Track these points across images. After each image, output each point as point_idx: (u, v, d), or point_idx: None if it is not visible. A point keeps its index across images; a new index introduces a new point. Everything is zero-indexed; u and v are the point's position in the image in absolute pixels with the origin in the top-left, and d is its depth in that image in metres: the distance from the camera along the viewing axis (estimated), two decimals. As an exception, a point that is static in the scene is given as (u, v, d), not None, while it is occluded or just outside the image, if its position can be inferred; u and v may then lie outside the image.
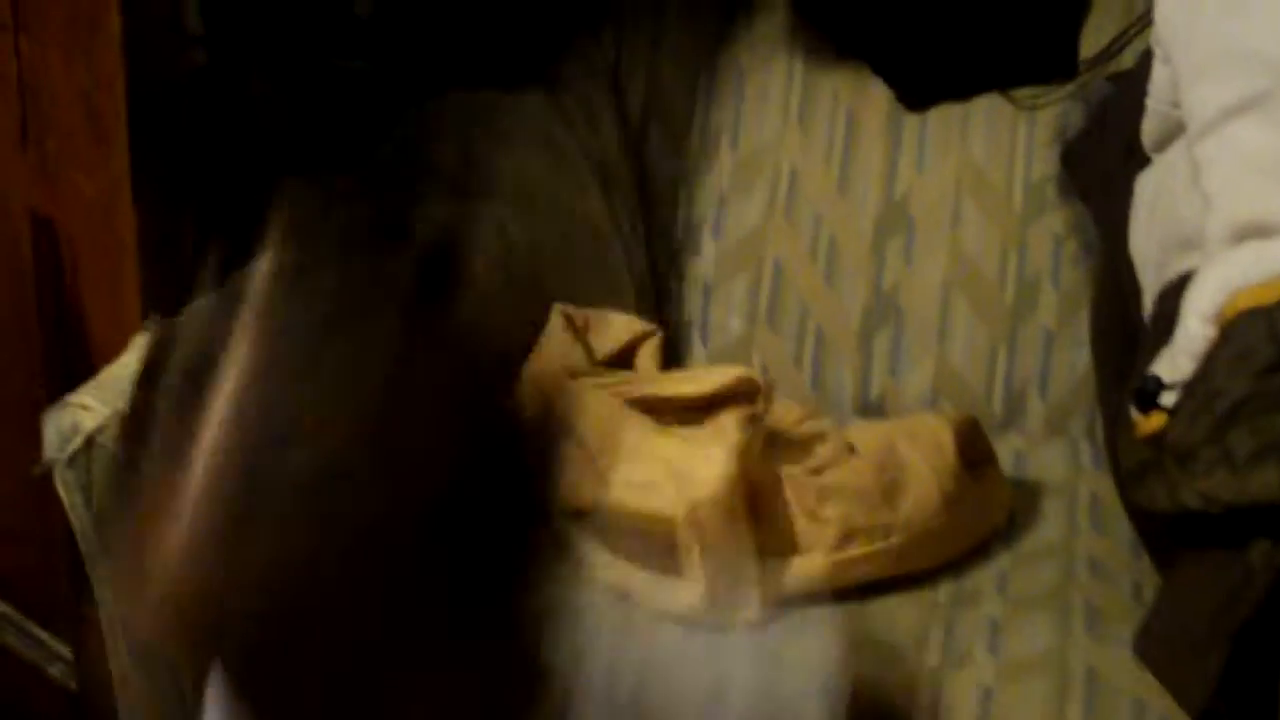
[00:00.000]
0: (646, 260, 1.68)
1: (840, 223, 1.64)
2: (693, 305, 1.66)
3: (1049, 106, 1.65)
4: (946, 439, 1.40)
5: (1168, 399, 1.20)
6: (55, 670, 1.60)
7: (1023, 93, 1.65)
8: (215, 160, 1.47)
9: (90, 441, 1.23)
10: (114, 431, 1.22)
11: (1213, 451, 1.15)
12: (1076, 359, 1.58)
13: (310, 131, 1.58)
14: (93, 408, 1.24)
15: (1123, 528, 1.38)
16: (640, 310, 1.60)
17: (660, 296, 1.67)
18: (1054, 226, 1.62)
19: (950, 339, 1.61)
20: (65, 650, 1.58)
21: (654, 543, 1.32)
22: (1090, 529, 1.42)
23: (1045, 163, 1.63)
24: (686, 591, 1.29)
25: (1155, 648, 1.23)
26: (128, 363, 1.30)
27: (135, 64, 1.38)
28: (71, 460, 1.24)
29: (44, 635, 1.61)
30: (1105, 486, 1.46)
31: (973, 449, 1.41)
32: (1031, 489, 1.47)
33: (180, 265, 1.43)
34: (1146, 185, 1.42)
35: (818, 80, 1.68)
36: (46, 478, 1.26)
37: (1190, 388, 1.18)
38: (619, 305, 1.58)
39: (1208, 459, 1.15)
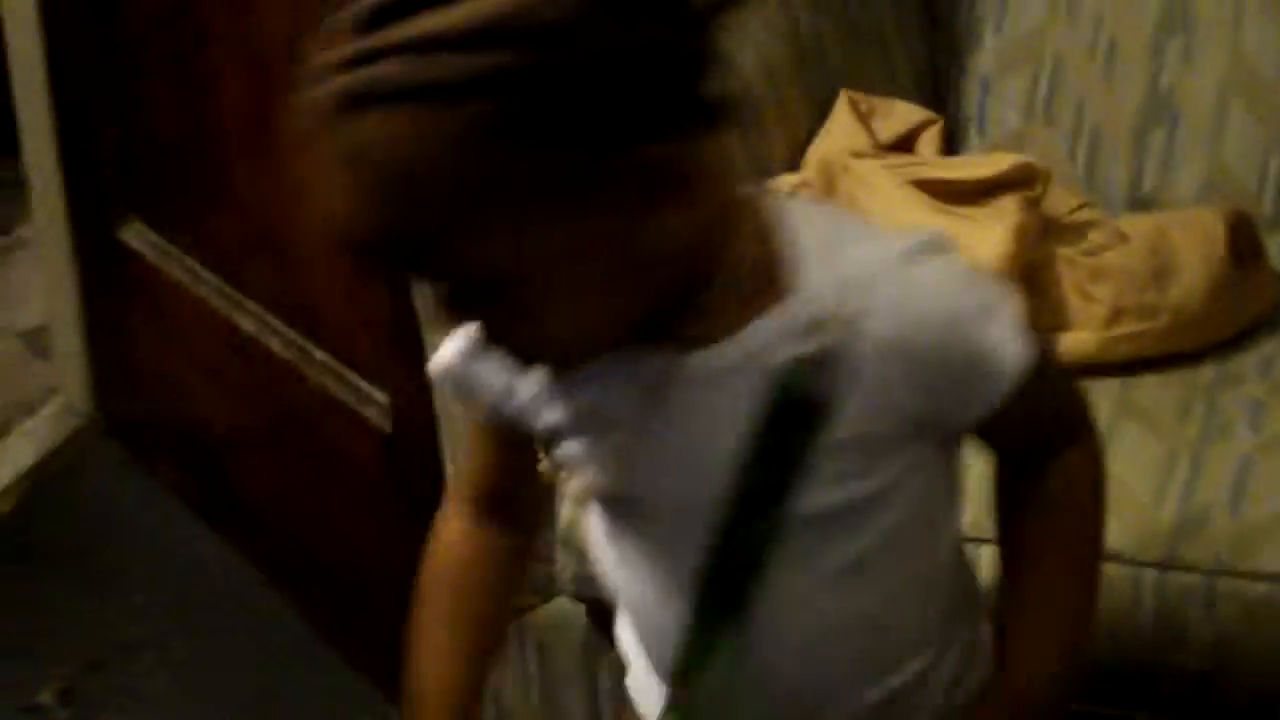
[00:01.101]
0: (927, 54, 1.73)
1: (1121, 21, 1.67)
2: (971, 100, 1.71)
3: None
4: (1217, 230, 1.44)
5: None
6: (371, 413, 1.71)
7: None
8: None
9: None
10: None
11: None
12: (1352, 161, 1.60)
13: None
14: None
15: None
16: (920, 103, 1.66)
17: (940, 91, 1.72)
18: (1338, 30, 1.63)
19: (1224, 139, 1.63)
20: (381, 395, 1.71)
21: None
22: (1358, 323, 1.46)
23: (1332, -36, 1.63)
24: (961, 359, 1.37)
25: None
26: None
27: None
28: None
29: (361, 381, 1.72)
30: (1375, 285, 1.49)
31: (1243, 242, 1.45)
32: (1300, 284, 1.50)
33: None
34: None
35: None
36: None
37: None
38: (900, 97, 1.65)
39: None
